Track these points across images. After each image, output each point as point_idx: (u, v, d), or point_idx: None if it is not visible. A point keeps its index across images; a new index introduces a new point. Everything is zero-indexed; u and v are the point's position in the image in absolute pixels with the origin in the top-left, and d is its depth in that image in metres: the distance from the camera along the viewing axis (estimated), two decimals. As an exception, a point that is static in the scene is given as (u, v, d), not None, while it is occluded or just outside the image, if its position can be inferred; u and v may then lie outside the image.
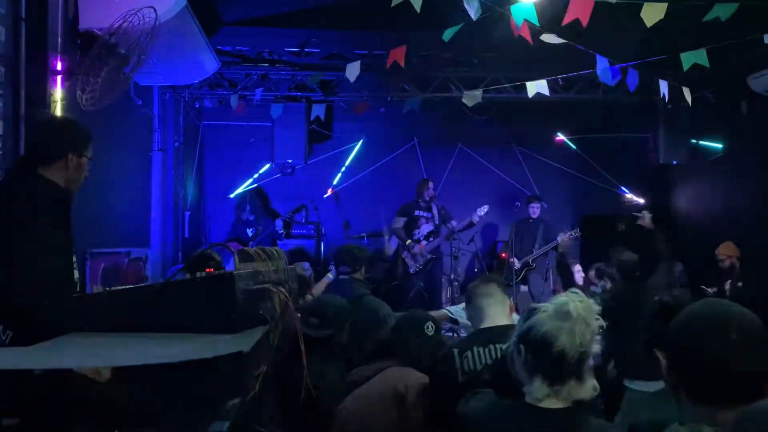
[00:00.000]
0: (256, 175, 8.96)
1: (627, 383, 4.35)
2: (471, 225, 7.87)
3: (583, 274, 7.67)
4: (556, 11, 4.22)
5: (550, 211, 8.46)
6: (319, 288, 4.76)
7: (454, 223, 7.72)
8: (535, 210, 8.18)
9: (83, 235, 4.35)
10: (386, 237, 8.18)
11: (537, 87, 5.36)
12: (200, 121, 8.92)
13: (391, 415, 2.74)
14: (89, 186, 2.96)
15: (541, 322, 1.85)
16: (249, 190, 8.80)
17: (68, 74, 4.15)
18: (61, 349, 1.68)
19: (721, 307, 1.52)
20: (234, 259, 2.05)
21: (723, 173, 7.82)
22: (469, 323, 3.70)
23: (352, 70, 5.19)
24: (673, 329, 1.51)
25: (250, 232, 7.97)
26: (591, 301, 1.87)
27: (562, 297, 1.88)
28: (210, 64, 6.12)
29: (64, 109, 4.14)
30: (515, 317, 2.87)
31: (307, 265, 5.00)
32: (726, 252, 6.69)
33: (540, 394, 1.86)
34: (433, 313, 3.63)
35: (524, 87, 5.45)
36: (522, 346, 1.90)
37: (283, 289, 2.09)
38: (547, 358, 1.82)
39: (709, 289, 6.48)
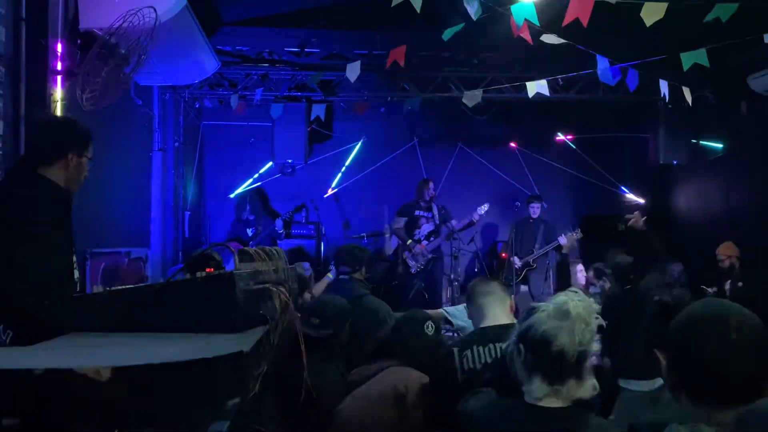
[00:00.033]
0: (256, 175, 8.96)
1: (621, 383, 4.37)
2: (471, 224, 7.87)
3: (585, 274, 7.67)
4: (556, 11, 4.22)
5: (550, 211, 8.46)
6: (319, 288, 4.76)
7: (453, 222, 7.73)
8: (535, 210, 8.18)
9: (83, 235, 4.35)
10: (387, 236, 8.19)
11: (537, 87, 5.36)
12: (200, 121, 8.92)
13: (391, 414, 2.74)
14: (89, 186, 2.96)
15: (540, 321, 1.85)
16: (249, 189, 8.80)
17: (68, 74, 4.15)
18: (61, 349, 1.68)
19: (720, 307, 1.52)
20: (234, 259, 2.05)
21: (723, 173, 7.82)
22: (463, 324, 3.71)
23: (353, 71, 5.19)
24: (673, 329, 1.52)
25: (250, 231, 7.97)
26: (590, 300, 1.87)
27: (562, 296, 1.88)
28: (210, 64, 6.12)
29: (64, 109, 4.14)
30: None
31: (307, 265, 4.99)
32: (726, 252, 6.69)
33: (540, 393, 1.86)
34: (430, 312, 3.64)
35: (524, 87, 5.45)
36: (521, 346, 1.90)
37: (283, 289, 2.09)
38: (547, 357, 1.82)
39: (709, 289, 6.48)
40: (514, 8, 4.24)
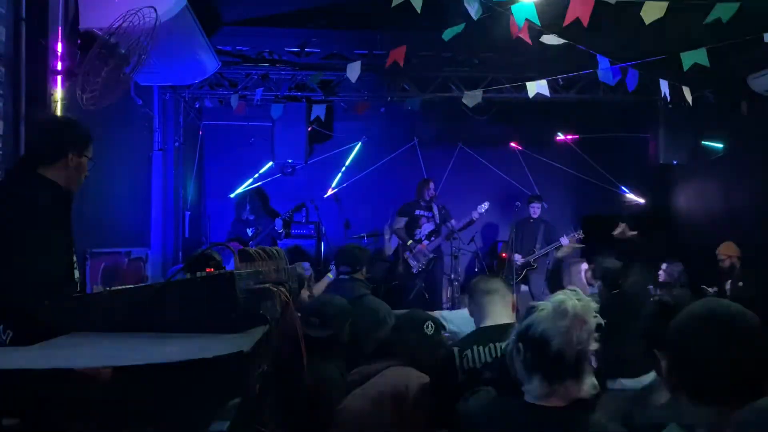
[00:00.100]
0: (256, 175, 8.96)
1: (608, 383, 4.39)
2: (471, 223, 7.87)
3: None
4: (556, 11, 4.22)
5: (550, 211, 8.47)
6: (319, 288, 4.76)
7: (453, 222, 7.73)
8: (535, 210, 8.19)
9: (83, 234, 4.35)
10: (386, 237, 8.18)
11: (537, 87, 5.36)
12: (200, 121, 8.92)
13: (391, 414, 2.74)
14: (89, 186, 2.96)
15: (539, 320, 1.85)
16: (249, 189, 8.80)
17: (68, 74, 4.15)
18: (61, 349, 1.68)
19: (720, 307, 1.52)
20: (234, 259, 2.05)
21: (723, 173, 7.82)
22: (456, 330, 3.72)
23: (353, 71, 5.19)
24: (673, 330, 1.52)
25: (250, 231, 7.97)
26: (589, 299, 1.87)
27: (560, 296, 1.88)
28: (210, 64, 6.11)
29: (64, 109, 4.14)
30: None
31: (307, 265, 5.00)
32: (726, 252, 6.69)
33: (539, 392, 1.86)
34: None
35: (524, 87, 5.45)
36: (521, 345, 1.90)
37: (283, 289, 2.09)
38: (546, 356, 1.82)
39: (710, 289, 6.48)
40: (514, 8, 4.24)
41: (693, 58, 4.59)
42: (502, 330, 2.69)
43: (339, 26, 7.16)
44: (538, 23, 4.24)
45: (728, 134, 7.75)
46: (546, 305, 1.88)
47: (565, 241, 7.90)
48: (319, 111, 7.54)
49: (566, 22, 4.05)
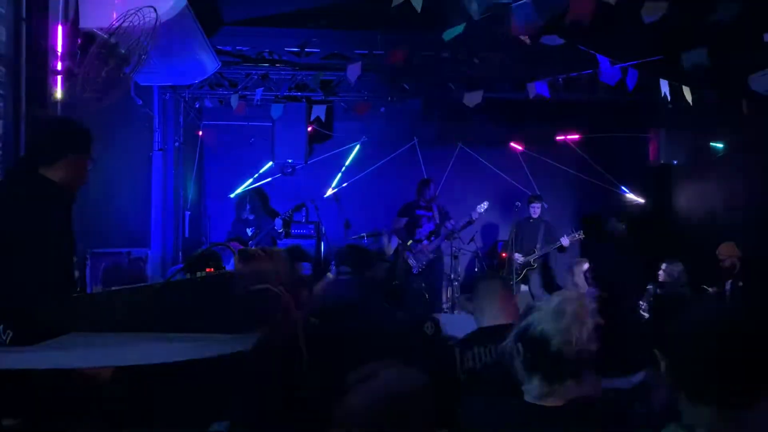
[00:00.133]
0: (256, 175, 8.96)
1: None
2: (471, 222, 7.86)
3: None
4: (557, 11, 4.22)
5: (550, 211, 8.46)
6: (319, 288, 4.75)
7: (452, 222, 7.72)
8: (536, 210, 8.17)
9: (84, 235, 4.35)
10: (385, 239, 8.17)
11: (537, 87, 5.37)
12: (200, 121, 8.91)
13: (391, 415, 2.73)
14: (90, 186, 2.96)
15: (537, 320, 1.85)
16: (249, 189, 8.79)
17: (69, 74, 4.15)
18: (61, 349, 1.68)
19: (720, 309, 1.52)
20: (234, 259, 2.05)
21: (724, 173, 7.81)
22: (451, 335, 3.71)
23: (353, 71, 5.19)
24: (673, 331, 1.51)
25: (249, 231, 7.96)
26: (588, 299, 1.87)
27: (559, 296, 1.88)
28: (210, 64, 6.12)
29: (65, 109, 4.14)
30: None
31: (306, 265, 4.99)
32: (727, 252, 6.68)
33: (539, 392, 1.86)
34: None
35: (524, 87, 5.46)
36: (520, 345, 1.90)
37: (283, 289, 2.09)
38: (545, 356, 1.82)
39: (710, 289, 6.48)
40: (514, 8, 4.24)
41: (693, 57, 4.59)
42: (502, 330, 2.69)
43: (339, 26, 7.15)
44: (539, 24, 4.24)
45: (729, 134, 7.74)
46: (545, 305, 1.88)
47: (565, 241, 7.89)
48: (319, 111, 7.55)
49: (566, 21, 4.05)
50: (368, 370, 2.96)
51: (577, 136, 9.03)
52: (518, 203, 8.35)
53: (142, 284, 4.02)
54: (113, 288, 2.00)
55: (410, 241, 7.79)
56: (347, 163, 9.04)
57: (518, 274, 7.87)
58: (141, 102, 6.54)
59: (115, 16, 3.99)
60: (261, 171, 8.93)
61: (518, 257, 7.91)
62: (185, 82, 6.94)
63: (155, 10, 3.92)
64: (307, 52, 7.59)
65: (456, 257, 7.92)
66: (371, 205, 8.75)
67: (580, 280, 7.87)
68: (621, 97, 7.59)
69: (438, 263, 7.94)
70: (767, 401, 1.40)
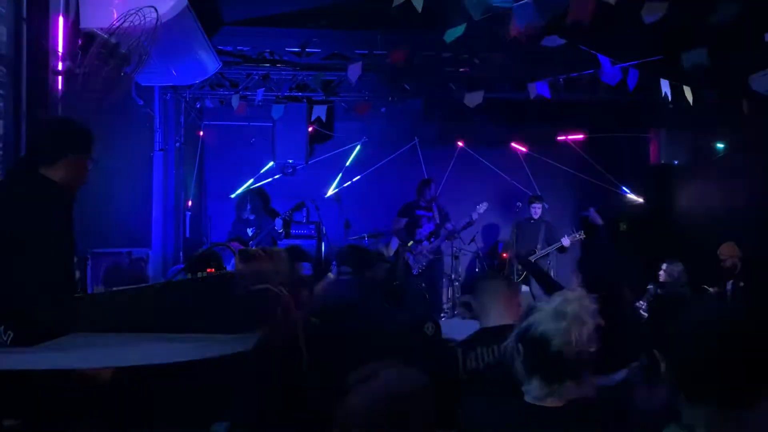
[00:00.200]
0: (257, 175, 8.96)
1: None
2: (471, 223, 7.87)
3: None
4: (557, 11, 4.22)
5: (550, 211, 8.46)
6: (319, 288, 4.75)
7: (451, 224, 7.72)
8: (536, 210, 8.16)
9: (85, 235, 4.35)
10: (383, 247, 8.14)
11: (538, 87, 5.37)
12: (201, 121, 8.91)
13: (392, 415, 2.73)
14: (90, 186, 2.96)
15: (538, 321, 1.85)
16: (250, 189, 8.80)
17: (69, 74, 4.16)
18: (61, 349, 1.68)
19: (720, 309, 1.52)
20: (235, 259, 2.05)
21: (724, 173, 7.81)
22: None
23: (354, 71, 5.19)
24: (673, 331, 1.52)
25: (250, 231, 7.96)
26: (588, 300, 1.87)
27: (560, 296, 1.88)
28: (211, 64, 6.12)
29: (65, 109, 4.15)
30: None
31: (306, 265, 4.99)
32: (728, 252, 6.68)
33: (539, 393, 1.86)
34: None
35: (525, 87, 5.46)
36: (520, 345, 1.90)
37: (284, 289, 2.09)
38: (545, 357, 1.82)
39: (711, 289, 6.48)
40: (515, 9, 4.24)
41: (694, 57, 4.59)
42: (506, 330, 2.69)
43: (340, 26, 7.15)
44: (540, 24, 4.24)
45: (729, 134, 7.74)
46: (545, 306, 1.88)
47: (566, 241, 7.89)
48: (319, 111, 7.55)
49: (567, 21, 4.05)
50: (368, 371, 2.96)
51: (577, 137, 9.02)
52: (519, 203, 8.34)
53: (143, 284, 4.03)
54: (114, 288, 2.00)
55: (410, 242, 7.78)
56: (348, 163, 9.04)
57: (519, 275, 7.87)
58: (142, 102, 6.55)
59: (115, 16, 4.00)
60: (262, 171, 8.93)
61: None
62: (186, 82, 6.94)
63: (156, 10, 3.92)
64: (308, 52, 7.59)
65: (457, 257, 7.92)
66: (372, 206, 8.75)
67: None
68: (621, 97, 7.58)
69: (438, 264, 7.95)
70: (767, 401, 1.40)
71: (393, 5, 3.98)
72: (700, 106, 6.45)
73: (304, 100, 8.14)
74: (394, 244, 8.18)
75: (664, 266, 6.40)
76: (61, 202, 2.60)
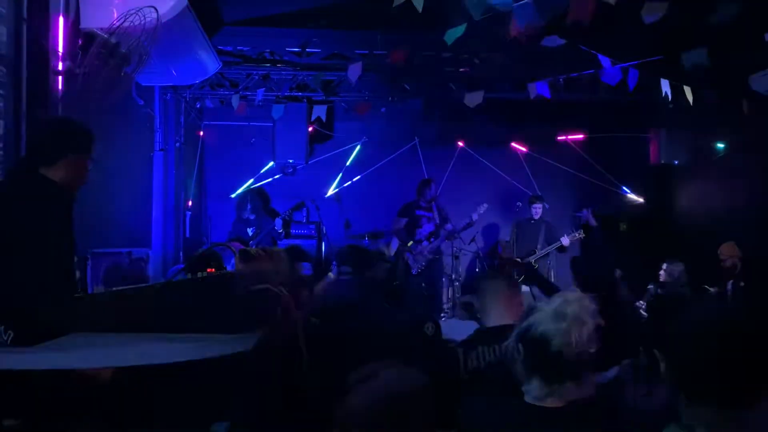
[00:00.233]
0: (257, 175, 8.96)
1: None
2: (470, 224, 7.87)
3: None
4: (557, 11, 4.22)
5: (550, 211, 8.46)
6: (320, 288, 4.75)
7: (450, 225, 7.72)
8: (537, 210, 8.16)
9: (85, 235, 4.35)
10: (384, 246, 8.14)
11: (538, 87, 5.37)
12: (201, 121, 8.92)
13: (392, 415, 2.73)
14: (90, 186, 2.96)
15: (538, 321, 1.85)
16: (250, 189, 8.80)
17: (69, 74, 4.16)
18: (62, 349, 1.68)
19: (719, 309, 1.52)
20: (235, 259, 2.05)
21: (724, 173, 7.81)
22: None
23: (354, 71, 5.19)
24: (673, 331, 1.52)
25: (250, 231, 7.96)
26: (588, 300, 1.87)
27: (560, 297, 1.88)
28: (211, 64, 6.12)
29: (65, 109, 4.15)
30: None
31: (306, 265, 4.99)
32: (728, 252, 6.68)
33: (539, 393, 1.86)
34: None
35: (525, 87, 5.46)
36: (520, 346, 1.90)
37: (284, 289, 2.09)
38: (545, 357, 1.82)
39: (711, 289, 6.48)
40: (515, 9, 4.24)
41: (693, 57, 4.59)
42: (508, 330, 2.69)
43: (340, 26, 7.15)
44: (540, 24, 4.24)
45: (729, 134, 7.74)
46: (545, 306, 1.88)
47: (565, 241, 7.90)
48: (319, 111, 7.55)
49: (567, 21, 4.05)
50: (368, 371, 2.96)
51: (577, 137, 9.02)
52: (519, 203, 8.34)
53: (143, 284, 4.02)
54: (114, 288, 2.00)
55: (410, 242, 7.79)
56: (348, 163, 9.04)
57: (519, 275, 7.86)
58: (142, 102, 6.55)
59: (115, 15, 4.00)
60: (262, 171, 8.93)
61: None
62: (186, 82, 6.94)
63: (156, 10, 3.92)
64: (308, 52, 7.59)
65: (457, 257, 7.91)
66: (372, 206, 8.75)
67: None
68: (622, 97, 7.59)
69: (437, 263, 7.95)
70: (767, 401, 1.40)
71: (393, 5, 3.98)
72: (700, 106, 6.45)
73: (304, 100, 8.14)
74: (395, 244, 8.18)
75: (664, 266, 6.40)
76: (61, 202, 2.60)
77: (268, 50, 7.63)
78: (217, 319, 1.77)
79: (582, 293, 1.92)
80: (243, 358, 1.50)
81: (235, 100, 7.28)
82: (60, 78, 4.15)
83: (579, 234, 7.92)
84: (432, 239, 7.83)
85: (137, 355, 1.54)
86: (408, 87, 7.96)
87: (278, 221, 7.75)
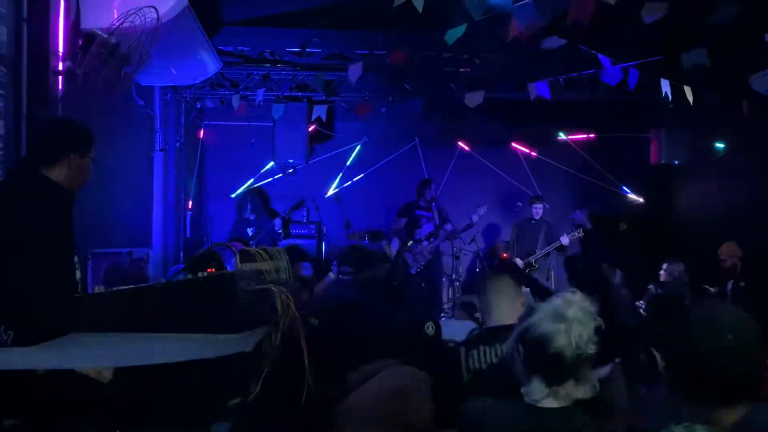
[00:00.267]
0: (257, 175, 8.96)
1: None
2: (470, 226, 7.87)
3: None
4: (557, 12, 4.22)
5: (550, 211, 8.46)
6: (320, 288, 4.75)
7: (450, 226, 7.72)
8: (537, 210, 8.16)
9: (85, 235, 4.35)
10: (386, 246, 8.14)
11: (538, 87, 5.37)
12: (202, 122, 8.92)
13: (393, 414, 2.74)
14: (91, 186, 2.96)
15: (538, 322, 1.85)
16: (250, 189, 8.80)
17: (70, 74, 4.16)
18: (62, 349, 1.68)
19: (718, 308, 1.52)
20: (235, 259, 2.05)
21: (724, 173, 7.81)
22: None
23: (354, 71, 5.19)
24: (671, 331, 1.52)
25: (250, 231, 7.96)
26: (588, 301, 1.87)
27: (560, 298, 1.88)
28: (211, 64, 6.12)
29: (65, 109, 4.15)
30: None
31: (307, 265, 4.99)
32: (728, 252, 6.68)
33: (539, 394, 1.86)
34: None
35: (525, 87, 5.46)
36: (520, 346, 1.90)
37: (284, 289, 2.09)
38: (545, 358, 1.82)
39: (711, 289, 6.48)
40: (516, 9, 4.24)
41: (693, 57, 4.59)
42: (509, 331, 2.69)
43: (340, 26, 7.15)
44: (540, 24, 4.24)
45: (729, 134, 7.74)
46: (545, 307, 1.88)
47: (565, 240, 7.90)
48: (320, 111, 7.55)
49: (567, 22, 4.05)
50: (368, 370, 2.97)
51: (577, 137, 9.02)
52: (519, 203, 8.34)
53: (144, 284, 4.02)
54: (114, 288, 2.00)
55: (410, 242, 7.78)
56: (348, 163, 9.04)
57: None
58: (142, 102, 6.55)
59: (116, 16, 4.00)
60: (262, 171, 8.94)
61: (519, 263, 7.91)
62: (186, 82, 6.94)
63: (156, 10, 3.92)
64: (308, 52, 7.59)
65: (457, 257, 7.91)
66: (372, 206, 8.75)
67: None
68: (622, 97, 7.59)
69: (437, 263, 7.94)
70: (766, 401, 1.40)
71: (393, 5, 3.98)
72: (700, 106, 6.46)
73: (305, 100, 8.14)
74: (395, 244, 8.17)
75: (664, 266, 6.40)
76: (61, 202, 2.60)
77: (268, 50, 7.63)
78: (217, 319, 1.77)
79: (582, 294, 1.91)
80: (243, 358, 1.50)
81: (235, 100, 7.28)
82: (60, 78, 4.16)
83: (578, 233, 7.92)
84: (431, 239, 7.83)
85: (137, 355, 1.55)
86: (408, 87, 7.96)
87: (278, 221, 7.74)
